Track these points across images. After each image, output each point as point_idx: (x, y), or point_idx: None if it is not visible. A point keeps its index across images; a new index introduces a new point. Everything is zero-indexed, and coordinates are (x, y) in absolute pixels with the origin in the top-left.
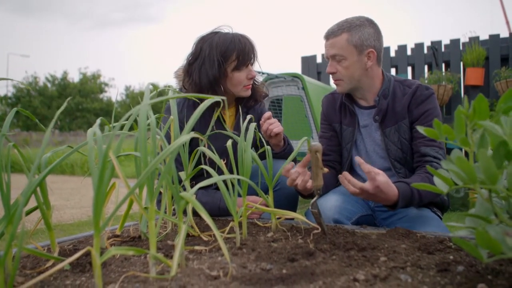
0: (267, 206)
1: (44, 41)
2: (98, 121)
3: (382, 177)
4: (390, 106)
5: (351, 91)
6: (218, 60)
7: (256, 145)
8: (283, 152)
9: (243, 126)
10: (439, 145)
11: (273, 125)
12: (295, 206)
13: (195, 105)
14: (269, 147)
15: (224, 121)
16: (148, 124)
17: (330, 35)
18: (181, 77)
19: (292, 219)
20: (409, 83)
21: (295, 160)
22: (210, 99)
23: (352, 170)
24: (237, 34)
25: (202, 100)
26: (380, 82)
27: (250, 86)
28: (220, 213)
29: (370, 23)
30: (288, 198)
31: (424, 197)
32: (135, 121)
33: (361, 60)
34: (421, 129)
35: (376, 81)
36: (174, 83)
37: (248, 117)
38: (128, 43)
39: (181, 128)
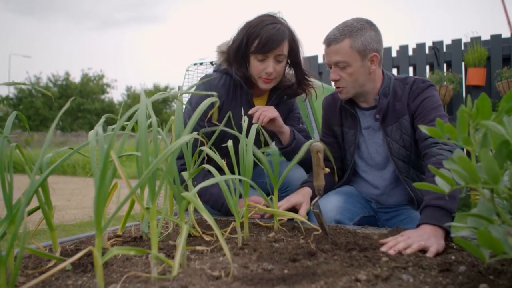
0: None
1: (46, 42)
2: (102, 119)
3: (407, 234)
4: (390, 104)
5: (354, 96)
6: (242, 39)
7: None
8: (291, 146)
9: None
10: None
11: (266, 112)
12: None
13: (228, 89)
14: (275, 146)
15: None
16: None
17: (331, 41)
18: (222, 53)
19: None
20: (408, 80)
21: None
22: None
23: (356, 174)
24: (278, 26)
25: (245, 81)
26: (381, 82)
27: (270, 80)
28: (221, 210)
29: (371, 26)
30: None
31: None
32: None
33: (364, 65)
34: (423, 128)
35: (378, 83)
36: (175, 83)
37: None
38: (131, 43)
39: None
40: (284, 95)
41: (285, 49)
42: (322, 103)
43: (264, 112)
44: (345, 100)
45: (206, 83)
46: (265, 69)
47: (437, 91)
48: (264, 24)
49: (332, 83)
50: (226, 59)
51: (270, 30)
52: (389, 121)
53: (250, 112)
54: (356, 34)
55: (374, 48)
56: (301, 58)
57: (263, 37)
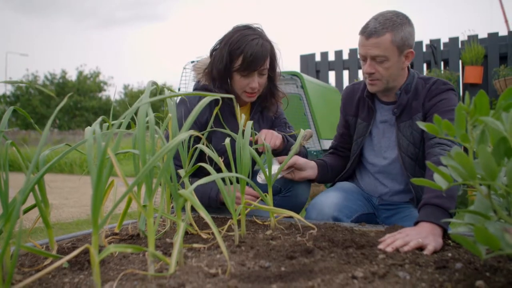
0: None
1: (46, 40)
2: (100, 119)
3: (405, 231)
4: (410, 101)
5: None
6: (225, 57)
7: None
8: (284, 150)
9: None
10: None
11: (272, 140)
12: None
13: (210, 103)
14: (268, 145)
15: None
16: (147, 122)
17: (372, 33)
18: (200, 70)
19: (291, 217)
20: (430, 80)
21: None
22: (209, 97)
23: (361, 164)
24: (260, 41)
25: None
26: (405, 78)
27: (254, 95)
28: (210, 203)
29: (409, 21)
30: (295, 207)
31: (450, 197)
32: (134, 119)
33: (400, 60)
34: (421, 124)
35: (404, 79)
36: (173, 81)
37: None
38: (131, 42)
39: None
40: (265, 102)
41: (268, 63)
42: (342, 92)
43: (273, 140)
44: (374, 92)
45: (187, 103)
46: (249, 84)
47: (456, 96)
48: (246, 40)
49: (345, 78)
50: (209, 75)
51: (254, 46)
52: (403, 117)
53: (259, 138)
54: (397, 29)
55: (411, 44)
56: (277, 72)
57: (247, 54)
